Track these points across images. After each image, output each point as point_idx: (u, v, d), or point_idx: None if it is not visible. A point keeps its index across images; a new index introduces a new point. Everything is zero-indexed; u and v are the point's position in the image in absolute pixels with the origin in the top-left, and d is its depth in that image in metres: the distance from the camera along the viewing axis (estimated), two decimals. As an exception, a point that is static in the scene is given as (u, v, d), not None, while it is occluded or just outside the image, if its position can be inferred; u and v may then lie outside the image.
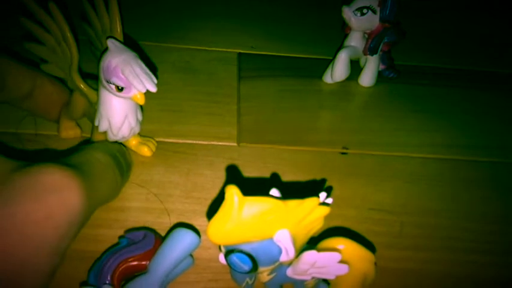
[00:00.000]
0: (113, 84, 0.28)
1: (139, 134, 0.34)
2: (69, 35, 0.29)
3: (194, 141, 0.37)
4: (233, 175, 0.35)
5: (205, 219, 0.31)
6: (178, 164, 0.35)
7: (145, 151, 0.34)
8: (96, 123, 0.31)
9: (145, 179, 0.33)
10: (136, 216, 0.30)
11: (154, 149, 0.35)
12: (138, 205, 0.31)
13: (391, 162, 0.38)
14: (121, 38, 0.30)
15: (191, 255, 0.27)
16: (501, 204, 0.36)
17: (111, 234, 0.28)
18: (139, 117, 0.32)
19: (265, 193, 0.22)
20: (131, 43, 0.30)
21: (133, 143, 0.34)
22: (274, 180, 0.35)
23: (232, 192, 0.20)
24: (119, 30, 0.30)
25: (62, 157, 0.23)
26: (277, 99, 0.43)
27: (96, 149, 0.26)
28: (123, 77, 0.28)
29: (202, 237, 0.26)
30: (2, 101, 0.31)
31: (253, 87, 0.43)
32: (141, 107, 0.32)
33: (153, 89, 0.28)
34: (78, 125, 0.35)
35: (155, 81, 0.28)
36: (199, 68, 0.45)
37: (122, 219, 0.30)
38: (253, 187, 0.34)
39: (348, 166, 0.37)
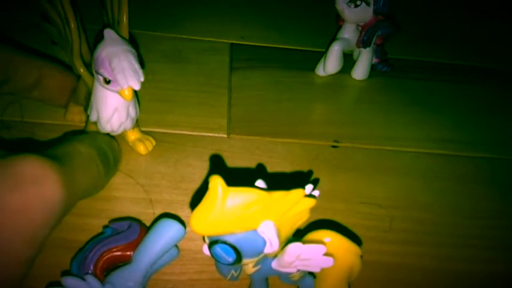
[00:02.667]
0: (101, 75, 0.28)
1: (140, 130, 0.34)
2: (71, 18, 0.28)
3: (183, 132, 0.36)
4: (221, 166, 0.34)
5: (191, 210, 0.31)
6: (167, 154, 0.34)
7: (141, 149, 0.34)
8: (88, 113, 0.31)
9: (133, 169, 0.33)
10: (122, 206, 0.30)
11: (150, 148, 0.34)
12: (124, 195, 0.31)
13: (383, 156, 0.38)
14: (126, 30, 0.29)
15: (177, 246, 0.26)
16: (495, 200, 0.36)
17: (96, 224, 0.28)
18: (133, 113, 0.31)
19: (251, 184, 0.21)
20: (130, 36, 0.30)
21: (131, 138, 0.34)
22: (261, 171, 0.34)
23: (216, 183, 0.19)
24: (125, 21, 0.29)
25: (45, 147, 0.23)
26: (269, 91, 0.42)
27: (80, 141, 0.26)
28: (109, 69, 0.27)
29: (189, 228, 0.26)
30: (8, 92, 0.30)
31: (244, 78, 0.43)
32: (138, 103, 0.32)
33: (136, 86, 0.27)
34: (86, 110, 0.35)
35: (142, 78, 0.27)
36: (190, 58, 0.44)
37: (108, 208, 0.30)
38: (240, 178, 0.33)
39: (339, 159, 0.37)
